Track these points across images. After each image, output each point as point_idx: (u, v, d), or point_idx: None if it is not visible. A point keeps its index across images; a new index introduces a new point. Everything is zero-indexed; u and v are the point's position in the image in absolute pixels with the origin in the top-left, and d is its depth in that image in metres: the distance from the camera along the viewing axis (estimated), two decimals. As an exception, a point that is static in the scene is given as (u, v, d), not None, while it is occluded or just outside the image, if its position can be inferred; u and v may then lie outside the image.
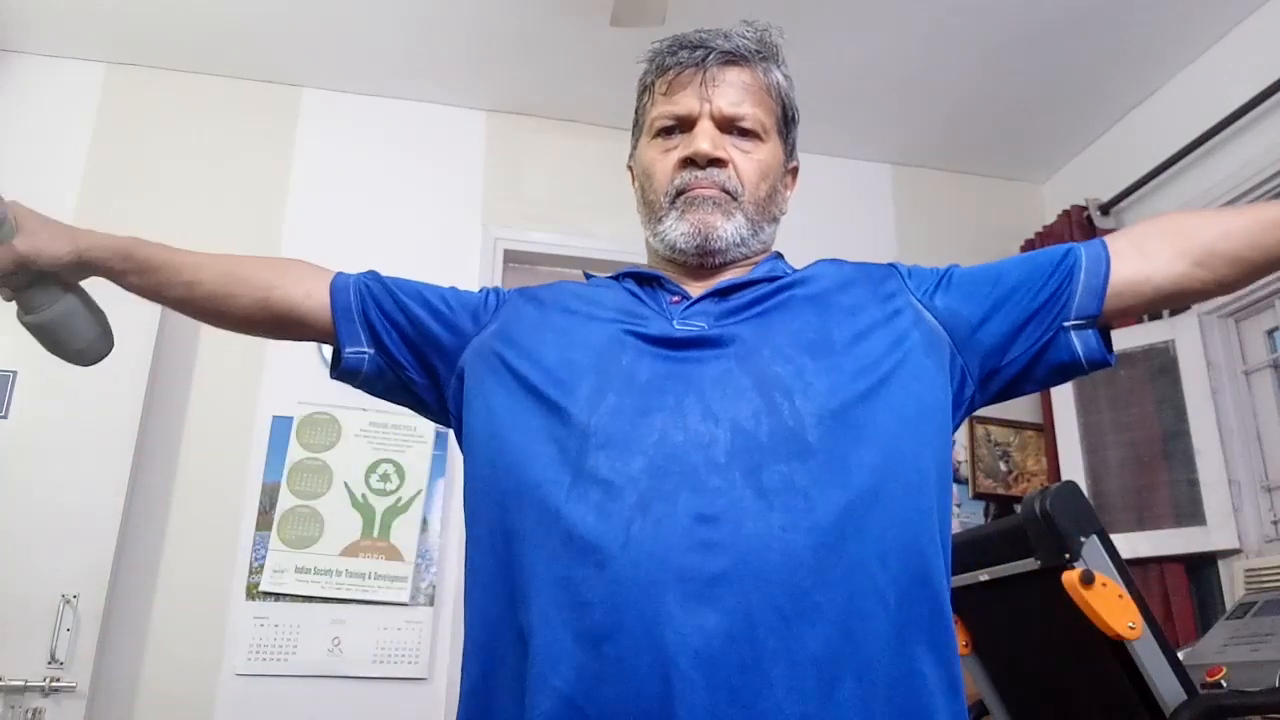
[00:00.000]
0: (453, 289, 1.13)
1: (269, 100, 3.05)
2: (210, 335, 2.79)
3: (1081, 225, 3.10)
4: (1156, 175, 2.92)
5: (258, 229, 2.92)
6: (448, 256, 3.01)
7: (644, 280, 1.05)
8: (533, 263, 3.16)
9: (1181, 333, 2.79)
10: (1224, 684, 1.66)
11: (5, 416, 2.43)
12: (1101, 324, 1.00)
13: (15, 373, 2.46)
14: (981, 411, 3.17)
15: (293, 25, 2.81)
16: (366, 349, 1.08)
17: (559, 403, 0.91)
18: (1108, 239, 1.02)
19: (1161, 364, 2.83)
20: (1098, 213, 3.09)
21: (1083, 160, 3.36)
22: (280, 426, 2.73)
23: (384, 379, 1.10)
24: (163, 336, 2.61)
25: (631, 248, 3.01)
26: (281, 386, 2.77)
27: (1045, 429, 3.12)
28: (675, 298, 1.01)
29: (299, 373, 2.79)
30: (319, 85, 3.08)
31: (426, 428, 2.78)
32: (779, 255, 1.11)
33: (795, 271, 1.06)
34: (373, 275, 1.13)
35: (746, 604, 0.79)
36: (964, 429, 3.16)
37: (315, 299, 1.09)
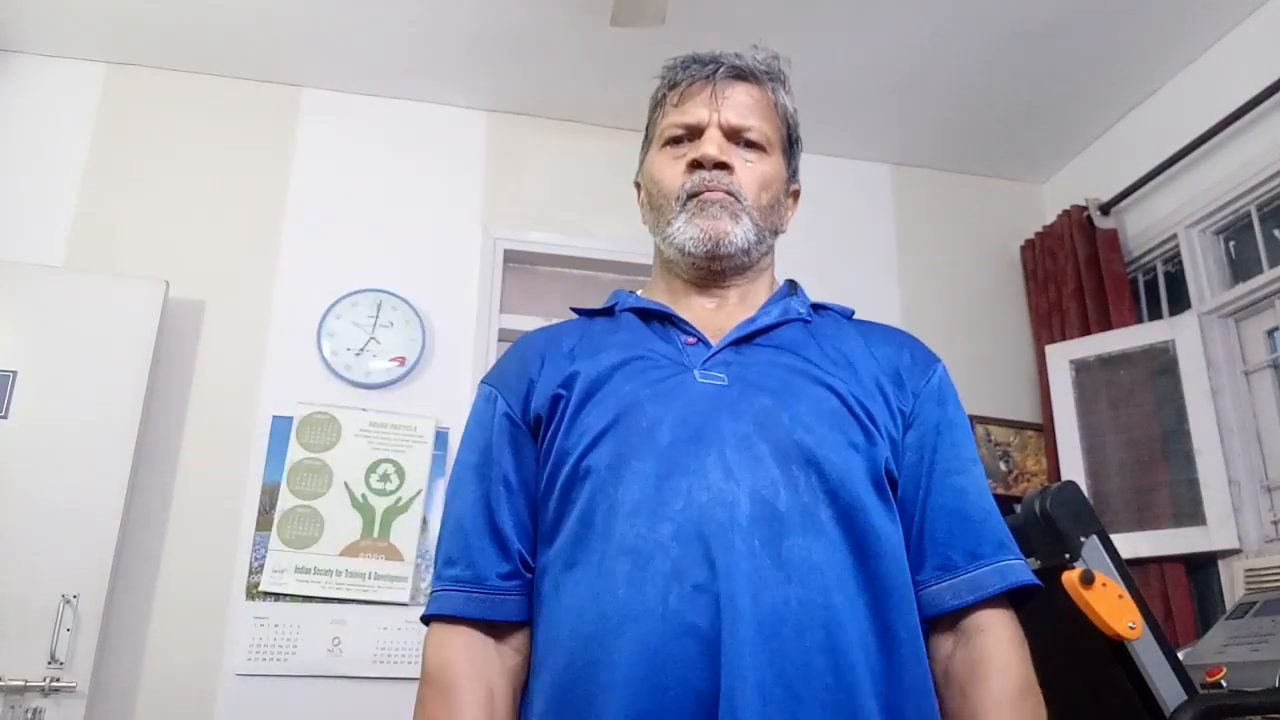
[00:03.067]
0: (480, 424, 1.04)
1: (269, 100, 3.04)
2: (210, 335, 2.79)
3: (1081, 225, 3.10)
4: (1156, 175, 2.92)
5: (258, 229, 2.92)
6: (448, 256, 3.01)
7: (650, 315, 1.05)
8: (533, 263, 3.16)
9: (1181, 333, 2.79)
10: (1224, 684, 1.66)
11: (5, 416, 2.42)
12: None
13: (15, 373, 2.46)
14: (981, 411, 3.18)
15: (293, 25, 2.81)
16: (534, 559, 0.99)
17: (581, 475, 0.92)
18: (991, 627, 0.94)
19: (1161, 364, 2.82)
20: (1098, 213, 3.08)
21: (1083, 160, 3.36)
22: (280, 426, 2.72)
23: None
24: (163, 336, 2.61)
25: (631, 247, 3.02)
26: (281, 386, 2.77)
27: (1045, 429, 3.12)
28: (690, 339, 1.01)
29: (299, 373, 2.79)
30: (319, 85, 3.07)
31: (427, 427, 2.78)
32: (792, 285, 1.12)
33: (809, 312, 1.07)
34: (469, 562, 0.99)
35: (760, 677, 0.82)
36: (968, 422, 3.16)
37: (520, 649, 0.97)
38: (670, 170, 1.06)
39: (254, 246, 2.90)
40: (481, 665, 0.95)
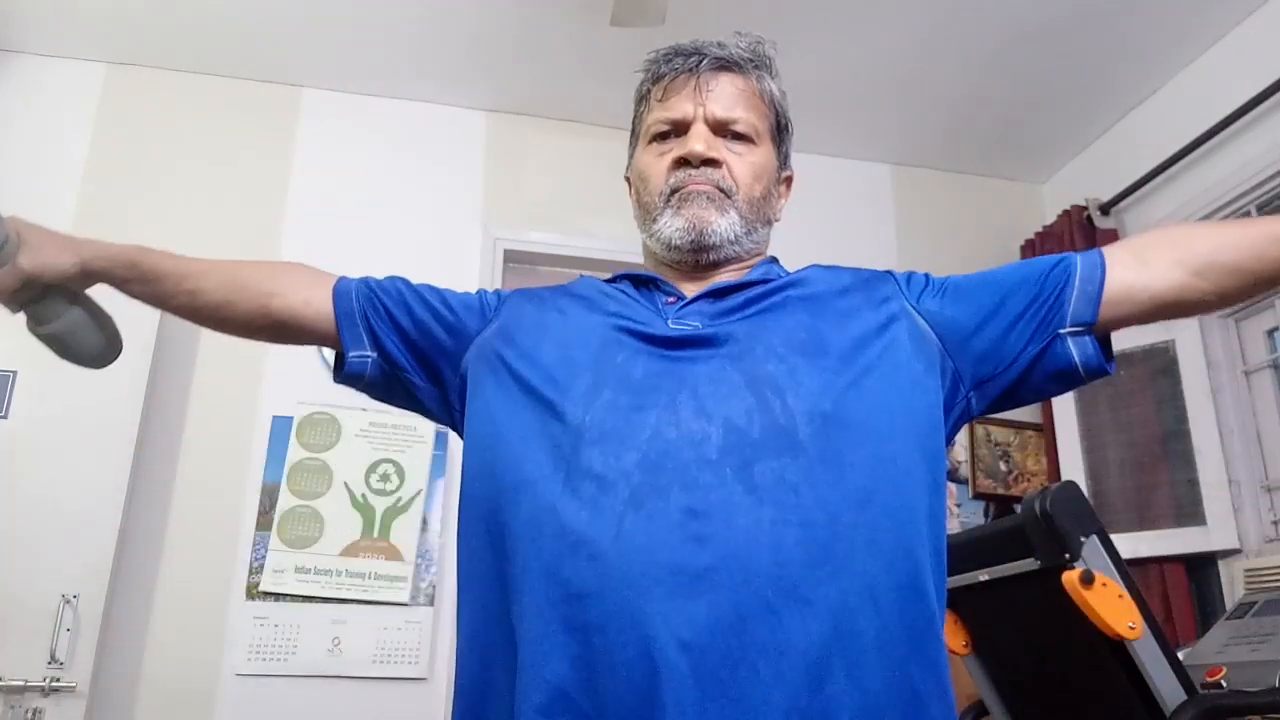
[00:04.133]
0: (456, 292, 1.15)
1: (269, 100, 3.05)
2: (210, 336, 2.78)
3: (1081, 225, 3.10)
4: (1156, 175, 2.92)
5: (258, 229, 2.92)
6: (448, 256, 3.01)
7: (640, 282, 1.08)
8: (533, 263, 3.15)
9: (1181, 333, 2.79)
10: (1224, 684, 1.66)
11: (5, 416, 2.43)
12: (1099, 331, 0.99)
13: (15, 373, 2.46)
14: (981, 411, 3.17)
15: (293, 25, 2.81)
16: (369, 353, 1.10)
17: (554, 400, 0.93)
18: (1106, 248, 1.02)
19: (1161, 364, 2.83)
20: (1098, 213, 3.08)
21: (1083, 160, 3.36)
22: (280, 426, 2.72)
23: (387, 382, 1.12)
24: (163, 337, 2.61)
25: (632, 247, 3.00)
26: (281, 386, 2.77)
27: (1045, 429, 3.12)
28: (670, 298, 1.03)
29: (299, 373, 2.79)
30: (319, 85, 3.07)
31: (426, 428, 2.78)
32: (774, 259, 1.12)
33: (790, 274, 1.08)
34: (376, 280, 1.14)
35: (735, 597, 0.80)
36: (964, 429, 3.16)
37: (316, 306, 1.11)
38: (657, 167, 1.05)
39: (254, 246, 2.90)
40: (305, 282, 1.12)
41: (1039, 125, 3.22)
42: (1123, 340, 2.91)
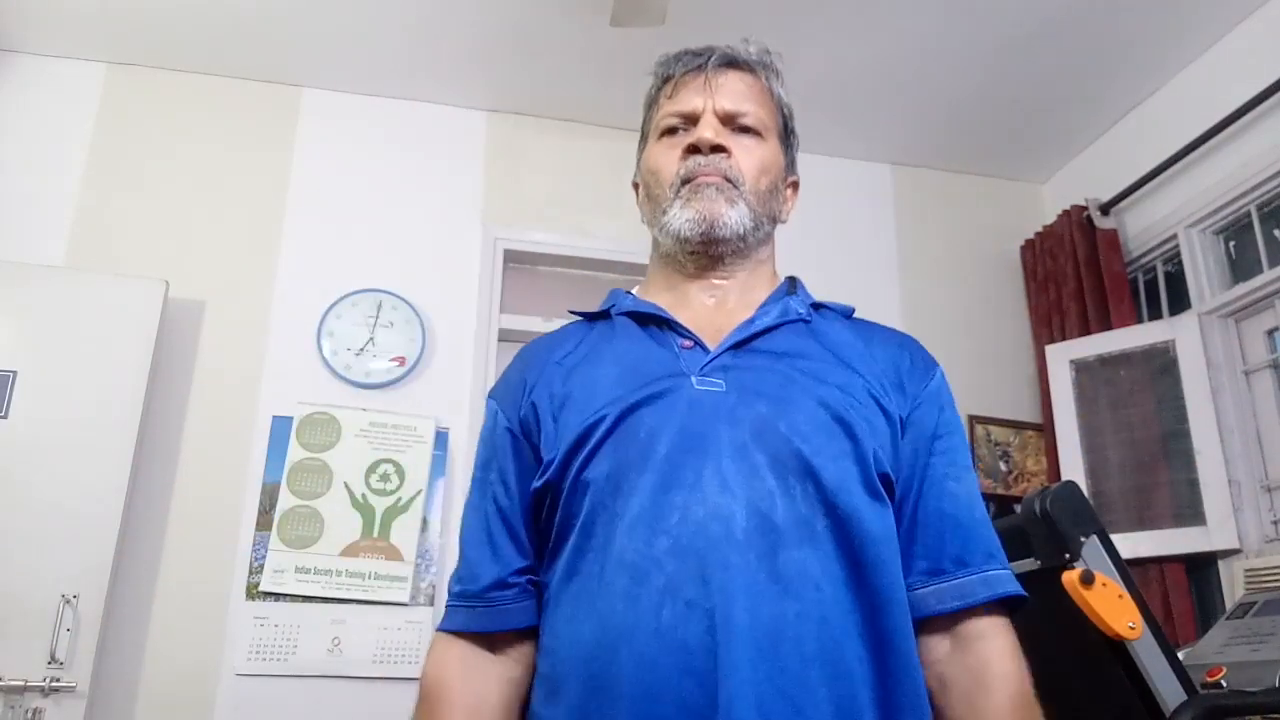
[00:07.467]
0: (486, 458, 1.03)
1: (269, 100, 3.04)
2: (210, 335, 2.79)
3: (1081, 225, 3.10)
4: (1156, 175, 2.92)
5: (258, 229, 2.92)
6: (448, 256, 3.01)
7: (647, 320, 1.03)
8: (533, 263, 3.16)
9: (1181, 333, 2.79)
10: (1224, 684, 1.66)
11: (5, 416, 2.42)
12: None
13: (15, 373, 2.46)
14: (981, 411, 3.18)
15: (293, 25, 2.81)
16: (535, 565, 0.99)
17: (582, 488, 0.91)
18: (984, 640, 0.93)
19: (1161, 364, 2.82)
20: (1098, 212, 3.09)
21: (1083, 160, 3.36)
22: (280, 426, 2.72)
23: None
24: (163, 336, 2.61)
25: (631, 247, 3.02)
26: (281, 386, 2.77)
27: (1045, 429, 3.12)
28: (687, 342, 0.98)
29: (299, 373, 2.79)
30: (319, 85, 3.07)
31: (427, 427, 2.78)
32: (792, 281, 1.10)
33: (811, 308, 1.05)
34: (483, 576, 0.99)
35: (759, 692, 0.81)
36: (964, 429, 3.16)
37: (524, 657, 0.97)
38: (667, 158, 1.05)
39: (254, 246, 2.90)
40: (474, 675, 0.96)
41: (1039, 125, 3.22)
42: (1123, 340, 2.91)
